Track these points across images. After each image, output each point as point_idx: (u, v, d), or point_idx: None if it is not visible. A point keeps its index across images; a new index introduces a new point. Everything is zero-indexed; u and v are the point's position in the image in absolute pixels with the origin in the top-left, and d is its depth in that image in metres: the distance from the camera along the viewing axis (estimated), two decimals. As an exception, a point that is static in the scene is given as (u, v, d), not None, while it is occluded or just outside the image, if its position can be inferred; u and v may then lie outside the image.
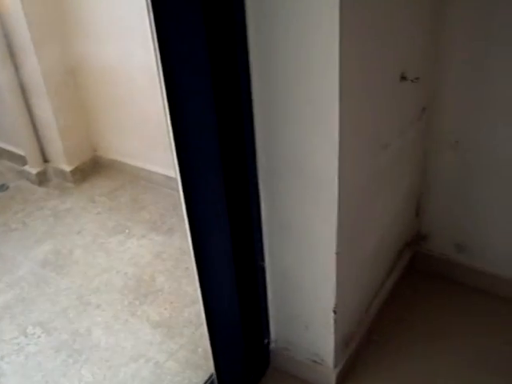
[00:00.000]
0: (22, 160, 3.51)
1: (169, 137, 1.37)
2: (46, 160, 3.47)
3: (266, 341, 2.10)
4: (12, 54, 3.04)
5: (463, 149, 2.18)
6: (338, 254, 1.69)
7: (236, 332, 1.91)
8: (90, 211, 3.23)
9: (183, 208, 1.50)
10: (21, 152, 3.48)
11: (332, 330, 1.90)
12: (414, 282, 2.48)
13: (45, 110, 3.18)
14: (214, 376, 1.92)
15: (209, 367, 1.97)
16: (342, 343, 2.02)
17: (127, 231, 3.03)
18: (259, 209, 1.72)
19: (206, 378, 2.02)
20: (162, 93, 1.31)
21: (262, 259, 1.88)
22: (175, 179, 1.45)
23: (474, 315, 2.31)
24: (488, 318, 2.29)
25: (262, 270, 1.91)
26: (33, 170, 3.44)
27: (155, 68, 1.28)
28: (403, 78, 1.80)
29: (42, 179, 3.47)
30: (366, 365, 2.13)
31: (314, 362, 2.01)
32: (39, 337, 2.36)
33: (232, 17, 1.31)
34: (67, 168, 3.40)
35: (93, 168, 3.55)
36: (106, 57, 3.07)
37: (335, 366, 1.98)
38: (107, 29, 2.99)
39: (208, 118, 1.38)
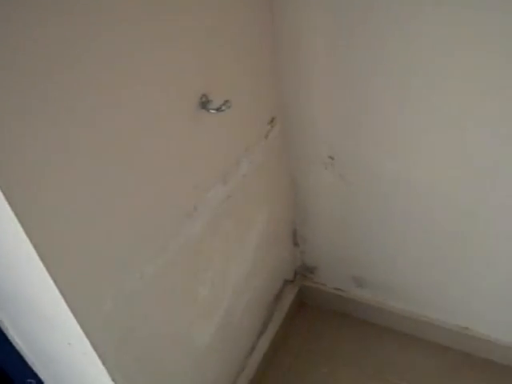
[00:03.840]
0: None
1: None
2: None
3: None
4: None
5: (341, 166, 1.52)
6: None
7: None
8: None
9: None
10: None
11: None
12: (302, 326, 1.90)
13: None
14: None
15: None
16: None
17: None
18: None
19: None
20: None
21: None
22: None
23: (384, 358, 1.78)
24: (402, 363, 1.76)
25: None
26: None
27: None
28: (205, 103, 1.11)
29: None
30: None
31: None
32: None
33: None
34: None
35: None
36: None
37: None
38: None
39: None
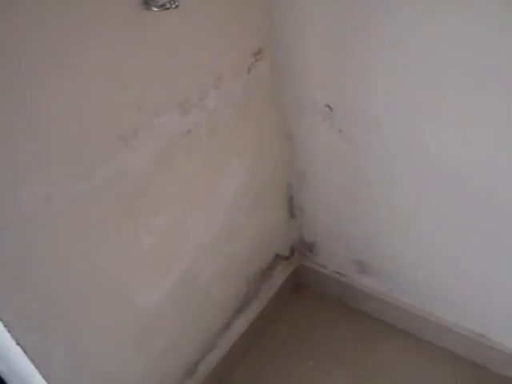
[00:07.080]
0: None
1: None
2: None
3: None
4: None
5: (340, 119, 1.27)
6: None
7: None
8: None
9: None
10: None
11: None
12: (293, 311, 1.67)
13: None
14: None
15: None
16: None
17: None
18: None
19: None
20: None
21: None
22: None
23: (383, 359, 1.52)
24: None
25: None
26: None
27: None
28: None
29: None
30: None
31: None
32: None
33: None
34: None
35: None
36: None
37: None
38: None
39: None
